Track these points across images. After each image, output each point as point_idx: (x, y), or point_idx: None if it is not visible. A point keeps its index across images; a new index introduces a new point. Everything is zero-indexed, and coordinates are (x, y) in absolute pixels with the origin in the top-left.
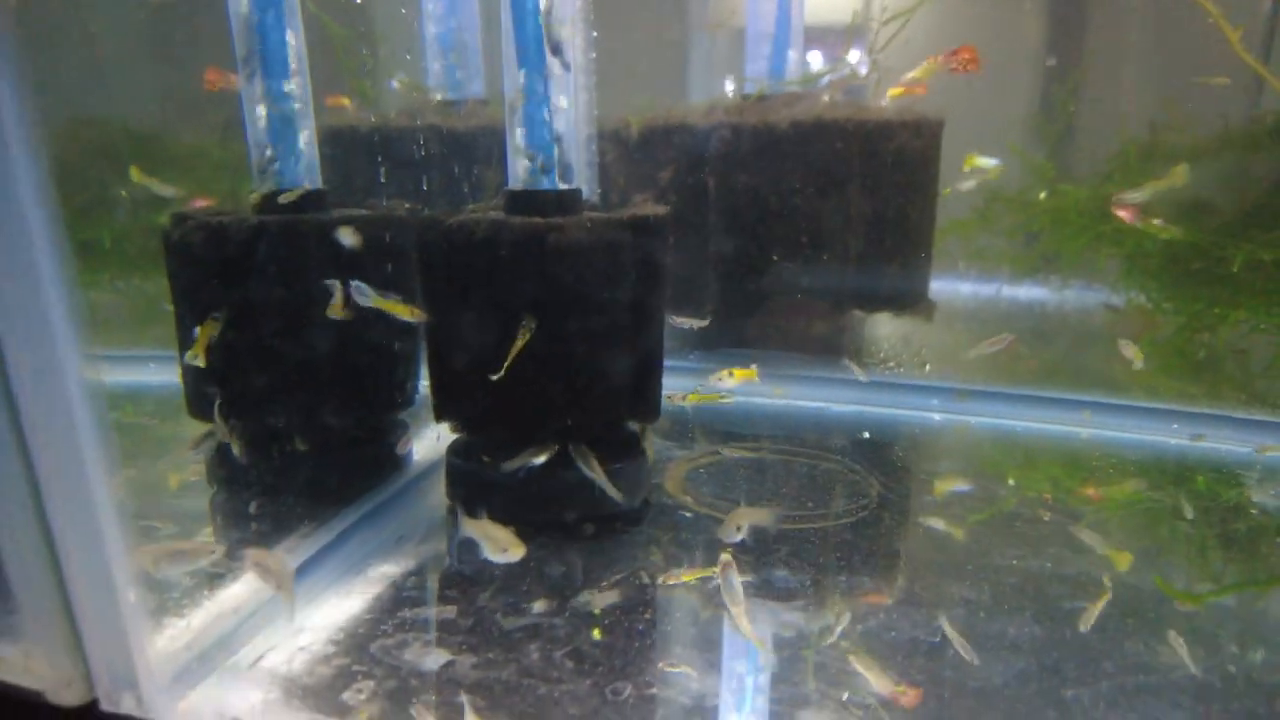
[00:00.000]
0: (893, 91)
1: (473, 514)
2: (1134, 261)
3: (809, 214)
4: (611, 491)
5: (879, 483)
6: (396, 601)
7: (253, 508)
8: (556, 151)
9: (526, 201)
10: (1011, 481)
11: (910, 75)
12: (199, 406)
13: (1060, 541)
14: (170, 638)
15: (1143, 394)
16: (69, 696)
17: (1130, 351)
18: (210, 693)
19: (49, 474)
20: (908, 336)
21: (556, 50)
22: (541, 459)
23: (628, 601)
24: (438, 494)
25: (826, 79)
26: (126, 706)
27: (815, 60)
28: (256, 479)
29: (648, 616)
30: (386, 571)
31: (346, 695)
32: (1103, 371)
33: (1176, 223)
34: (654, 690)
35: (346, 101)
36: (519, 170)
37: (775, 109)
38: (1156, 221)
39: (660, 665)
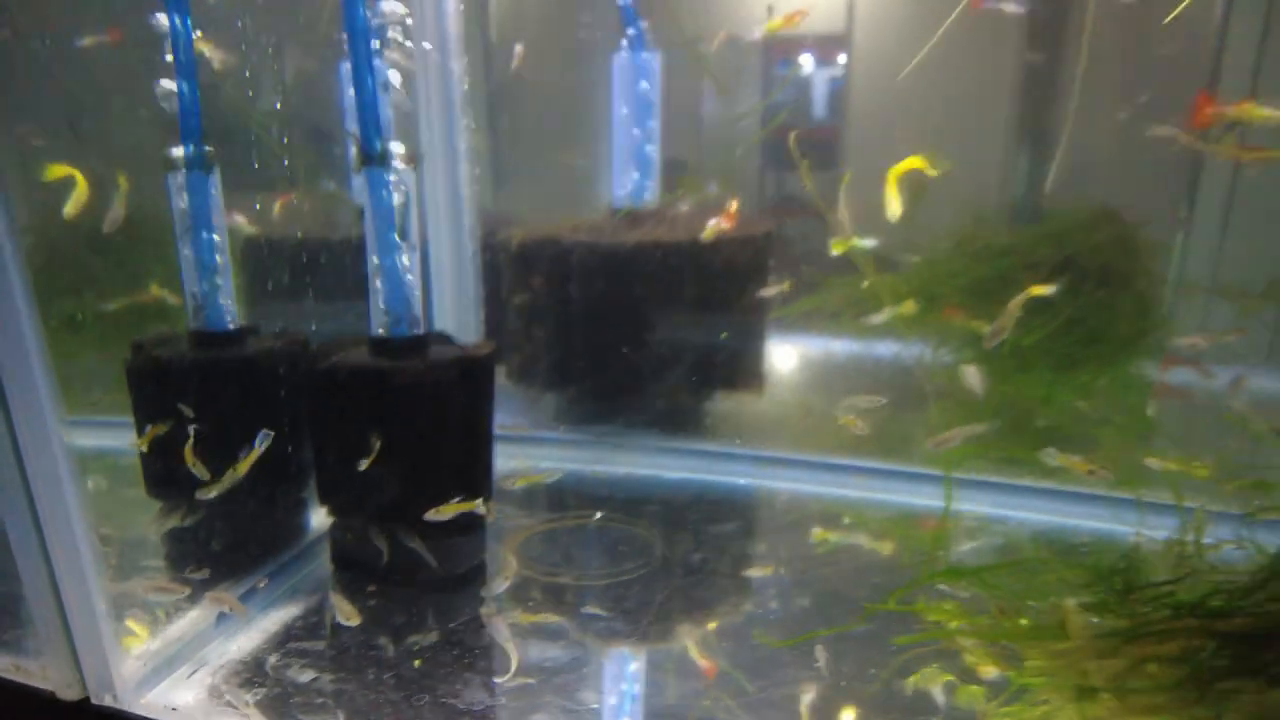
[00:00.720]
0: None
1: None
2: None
3: (652, 316)
4: (430, 560)
5: (666, 543)
6: (286, 638)
7: (189, 570)
8: (408, 307)
9: (383, 346)
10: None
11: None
12: (153, 487)
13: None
14: (136, 655)
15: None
16: (70, 694)
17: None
18: (162, 693)
19: (49, 528)
20: (742, 410)
21: (404, 235)
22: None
23: (443, 640)
24: (325, 558)
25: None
26: (108, 701)
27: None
28: (193, 547)
29: (454, 652)
30: (281, 616)
31: (247, 695)
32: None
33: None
34: (446, 700)
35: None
36: (378, 323)
37: (623, 229)
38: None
39: (455, 685)
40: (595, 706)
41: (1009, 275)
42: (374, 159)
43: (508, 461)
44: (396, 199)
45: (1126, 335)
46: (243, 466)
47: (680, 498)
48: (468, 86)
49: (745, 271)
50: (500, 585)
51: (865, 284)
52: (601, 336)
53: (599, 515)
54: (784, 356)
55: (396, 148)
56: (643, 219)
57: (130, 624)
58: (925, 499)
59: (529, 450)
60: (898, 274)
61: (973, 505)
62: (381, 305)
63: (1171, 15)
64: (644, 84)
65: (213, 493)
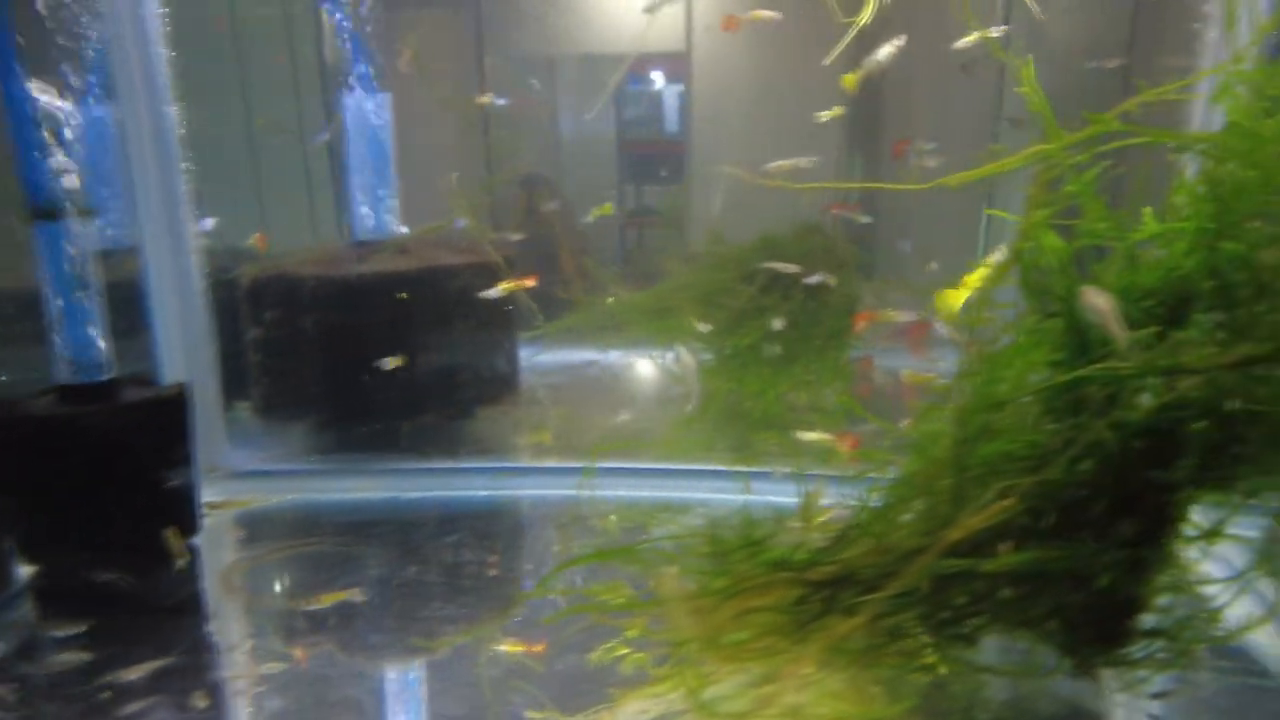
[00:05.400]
0: None
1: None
2: None
3: (390, 343)
4: (134, 592)
5: (386, 563)
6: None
7: None
8: (92, 353)
9: (71, 393)
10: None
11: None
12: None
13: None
14: None
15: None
16: None
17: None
18: None
19: None
20: (493, 426)
21: (84, 284)
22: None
23: (148, 673)
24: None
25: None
26: None
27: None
28: None
29: (133, 677)
30: None
31: None
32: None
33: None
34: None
35: None
36: (64, 370)
37: (356, 261)
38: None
39: (134, 705)
40: None
41: (729, 286)
42: (44, 213)
43: (240, 495)
44: (72, 250)
45: (833, 330)
46: None
47: (419, 516)
48: (184, 130)
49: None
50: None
51: (610, 300)
52: (340, 366)
53: (320, 540)
54: (540, 370)
55: (73, 199)
56: (382, 250)
57: None
58: (666, 491)
59: (278, 484)
60: (641, 291)
61: (695, 493)
62: (66, 353)
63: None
64: (375, 121)
65: None
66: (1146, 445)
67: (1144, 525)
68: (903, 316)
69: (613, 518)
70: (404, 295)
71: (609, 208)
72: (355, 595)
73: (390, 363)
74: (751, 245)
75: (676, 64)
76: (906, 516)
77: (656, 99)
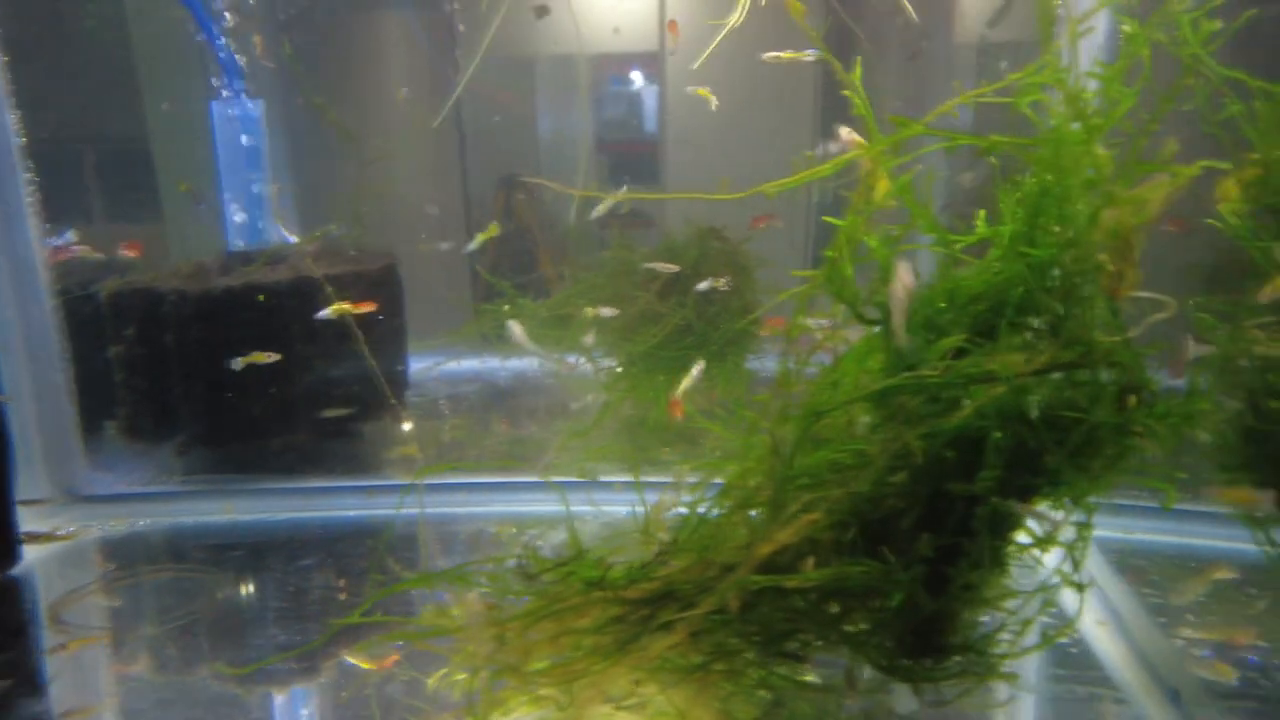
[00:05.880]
0: None
1: None
2: None
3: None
4: None
5: (214, 583)
6: None
7: None
8: None
9: None
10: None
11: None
12: None
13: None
14: None
15: None
16: None
17: None
18: None
19: None
20: (366, 443)
21: None
22: None
23: None
24: None
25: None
26: None
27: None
28: None
29: None
30: None
31: None
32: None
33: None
34: None
35: None
36: None
37: (218, 272)
38: None
39: None
40: None
41: (626, 292)
42: None
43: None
44: None
45: (731, 335)
46: None
47: (280, 539)
48: (24, 140)
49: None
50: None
51: (506, 307)
52: (204, 384)
53: (163, 567)
54: (453, 380)
55: None
56: (255, 261)
57: None
58: (550, 506)
59: (140, 508)
60: (539, 300)
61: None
62: None
63: None
64: (246, 134)
65: None
66: (958, 456)
67: (954, 537)
68: (814, 323)
69: (495, 532)
70: (262, 297)
71: (494, 229)
72: (182, 621)
73: (241, 362)
74: (653, 250)
75: (650, 64)
76: (739, 529)
77: (636, 99)
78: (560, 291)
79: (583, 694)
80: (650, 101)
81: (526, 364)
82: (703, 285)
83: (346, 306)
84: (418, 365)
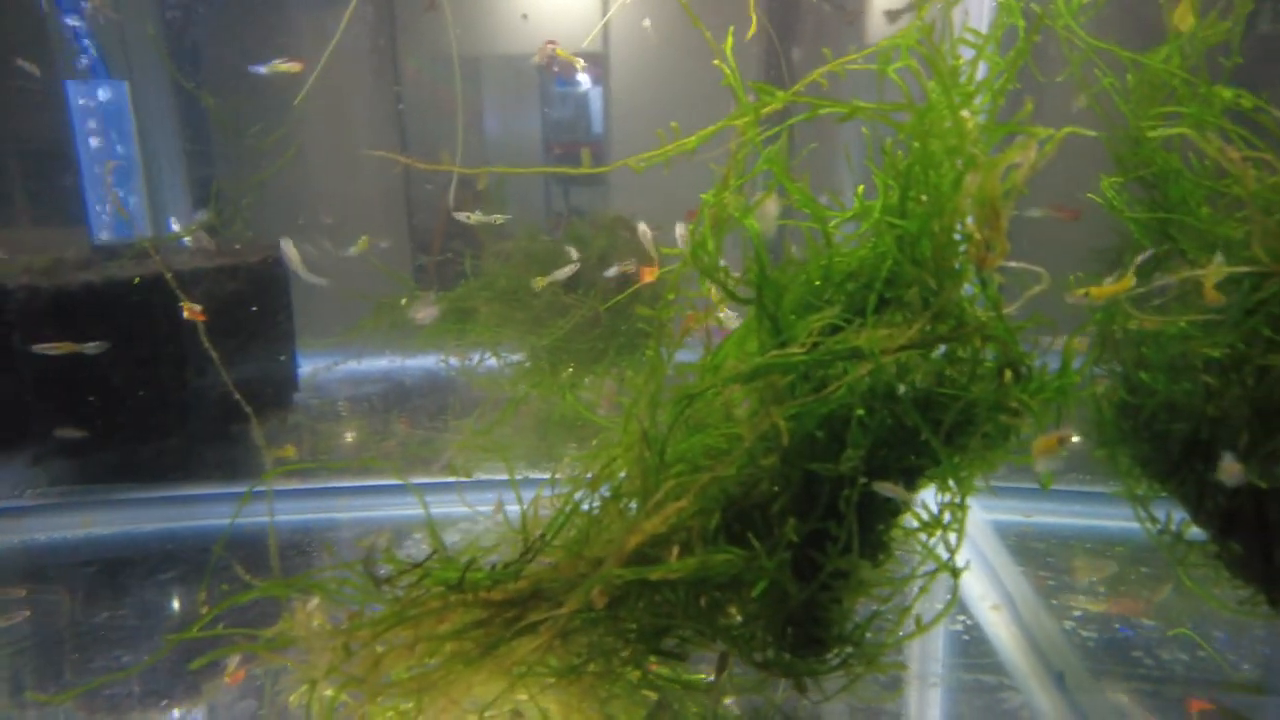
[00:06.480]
0: None
1: None
2: None
3: (123, 359)
4: None
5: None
6: None
7: None
8: None
9: None
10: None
11: None
12: None
13: None
14: None
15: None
16: None
17: None
18: None
19: None
20: (241, 447)
21: None
22: None
23: None
24: None
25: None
26: None
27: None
28: None
29: None
30: None
31: None
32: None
33: None
34: None
35: None
36: None
37: (76, 267)
38: None
39: None
40: None
41: (523, 284)
42: None
43: None
44: None
45: (640, 326)
46: None
47: (142, 552)
48: None
49: (234, 301)
50: None
51: (404, 302)
52: (62, 387)
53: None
54: (357, 379)
55: None
56: (122, 255)
57: None
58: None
59: None
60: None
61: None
62: None
63: None
64: (108, 113)
65: None
66: (830, 437)
67: (822, 522)
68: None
69: (383, 539)
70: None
71: (364, 242)
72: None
73: (57, 349)
74: (559, 240)
75: (594, 65)
76: (615, 523)
77: (583, 100)
78: (462, 284)
79: (433, 703)
80: (598, 103)
81: (433, 362)
82: (610, 271)
83: (188, 306)
84: (313, 365)
